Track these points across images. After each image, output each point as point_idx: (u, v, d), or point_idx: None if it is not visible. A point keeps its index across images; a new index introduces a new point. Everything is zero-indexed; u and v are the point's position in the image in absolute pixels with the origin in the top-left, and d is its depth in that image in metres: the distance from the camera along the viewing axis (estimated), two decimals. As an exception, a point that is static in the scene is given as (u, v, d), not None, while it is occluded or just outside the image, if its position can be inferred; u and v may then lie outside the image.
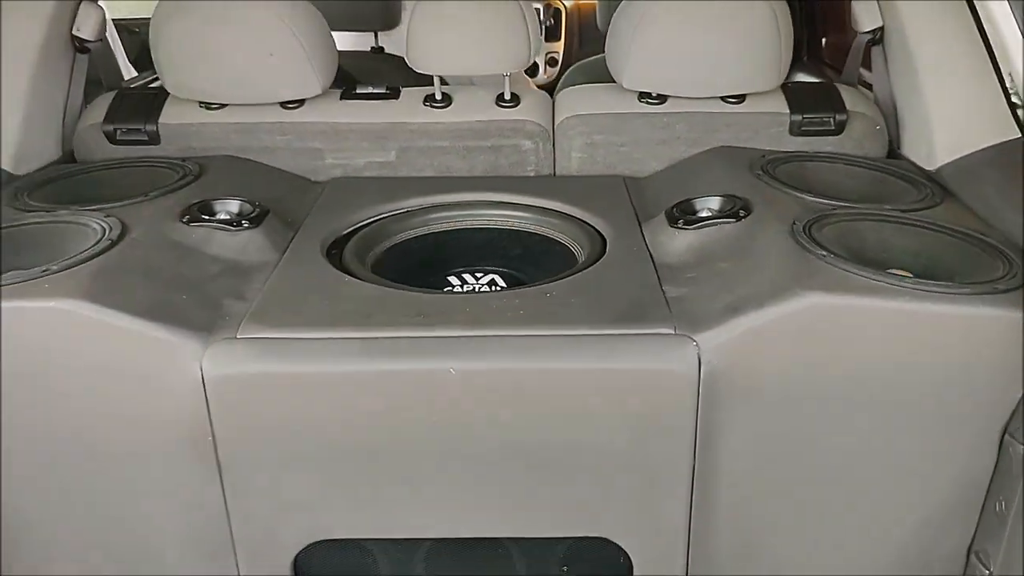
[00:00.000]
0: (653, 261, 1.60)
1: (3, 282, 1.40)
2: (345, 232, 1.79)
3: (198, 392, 1.38)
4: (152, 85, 2.41)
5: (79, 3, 2.08)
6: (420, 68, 2.06)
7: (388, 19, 3.20)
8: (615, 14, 2.06)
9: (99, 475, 1.47)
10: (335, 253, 1.71)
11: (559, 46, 4.58)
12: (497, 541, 1.56)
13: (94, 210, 1.66)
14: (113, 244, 1.53)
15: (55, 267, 1.44)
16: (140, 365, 1.39)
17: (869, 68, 2.19)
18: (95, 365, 1.39)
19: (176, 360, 1.38)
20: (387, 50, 3.36)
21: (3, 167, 1.93)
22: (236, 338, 1.40)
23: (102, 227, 1.59)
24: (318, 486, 1.46)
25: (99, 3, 2.15)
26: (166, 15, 1.99)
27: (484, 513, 1.49)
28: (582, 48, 4.62)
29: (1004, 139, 1.81)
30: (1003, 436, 1.42)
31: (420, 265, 1.81)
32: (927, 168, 1.92)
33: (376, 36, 3.30)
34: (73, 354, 1.39)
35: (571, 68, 3.33)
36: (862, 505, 1.49)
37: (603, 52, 3.24)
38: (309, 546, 1.51)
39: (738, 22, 1.94)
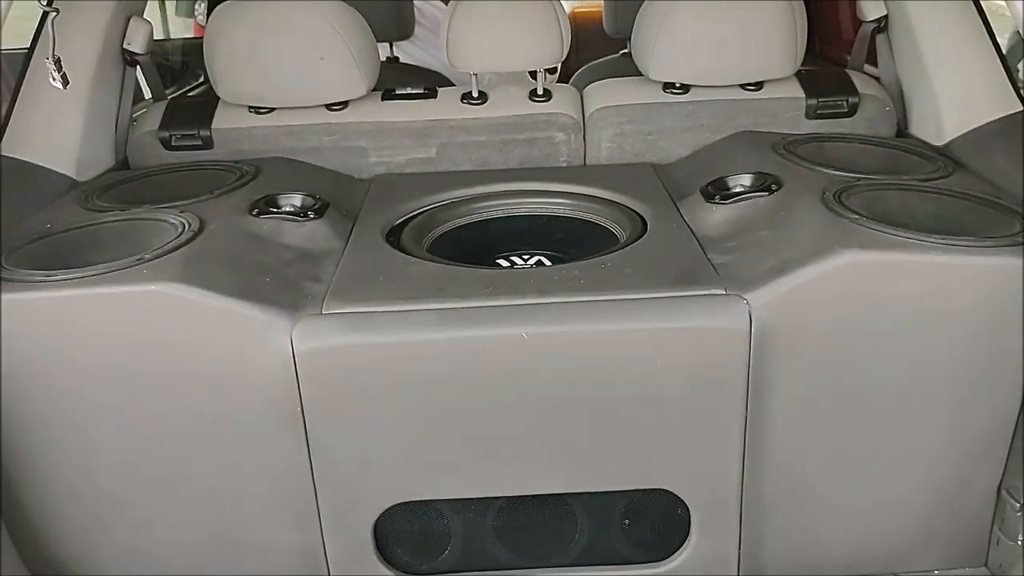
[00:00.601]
0: (694, 234, 1.73)
1: (101, 270, 1.51)
2: (398, 222, 1.91)
3: (288, 365, 1.49)
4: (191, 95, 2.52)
5: (129, 18, 2.19)
6: (458, 65, 2.18)
7: (402, 30, 3.32)
8: (640, 11, 2.19)
9: (193, 445, 1.58)
10: (392, 240, 1.82)
11: None
12: (562, 499, 1.67)
13: (168, 207, 1.77)
14: (196, 235, 1.64)
15: (148, 256, 1.55)
16: (233, 342, 1.50)
17: (874, 60, 2.34)
18: (191, 343, 1.50)
19: (267, 336, 1.49)
20: (401, 59, 3.49)
21: (67, 174, 2.05)
22: (321, 314, 1.51)
23: (180, 222, 1.69)
24: (398, 451, 1.57)
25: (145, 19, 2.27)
26: (221, 26, 2.11)
27: (552, 470, 1.60)
28: (579, 55, 4.77)
29: (1007, 112, 1.95)
30: (1028, 376, 1.55)
31: (468, 251, 1.92)
32: (936, 144, 2.06)
33: (391, 46, 3.42)
34: (170, 333, 1.50)
35: (578, 72, 3.46)
36: (900, 447, 1.61)
37: (601, 58, 3.42)
38: (389, 509, 1.62)
39: (757, 13, 2.08)
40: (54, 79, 1.42)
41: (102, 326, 1.50)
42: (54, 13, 1.42)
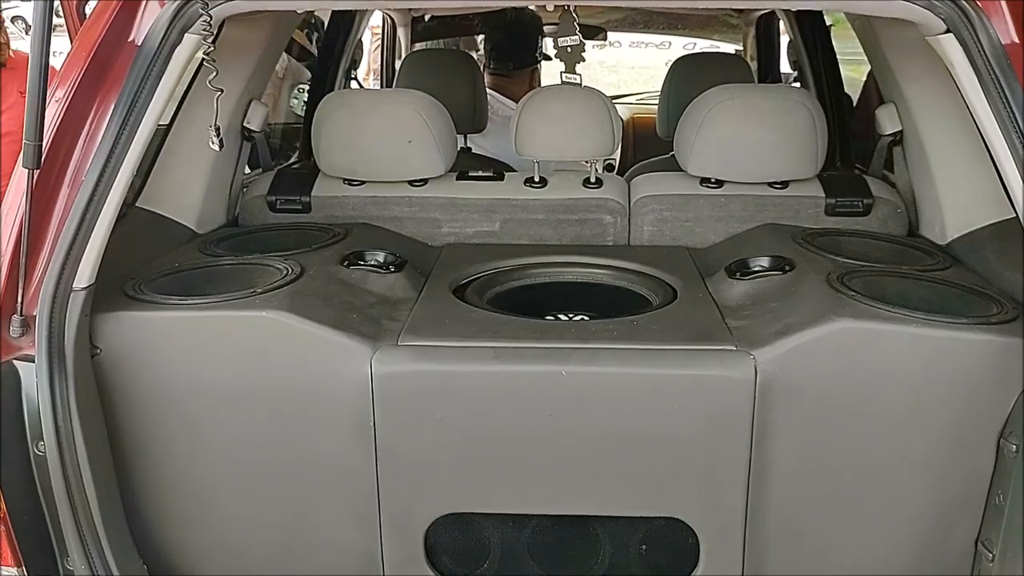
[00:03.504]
0: (716, 303, 2.02)
1: (224, 298, 1.85)
2: (463, 281, 2.23)
3: (366, 385, 1.80)
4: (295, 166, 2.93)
5: (251, 101, 2.61)
6: (524, 153, 2.54)
7: (477, 124, 3.72)
8: (682, 116, 2.53)
9: (279, 449, 1.88)
10: (458, 295, 2.14)
11: (616, 153, 5.10)
12: (588, 524, 1.92)
13: (274, 256, 2.13)
14: (297, 278, 1.98)
15: (260, 290, 1.90)
16: (324, 362, 1.82)
17: (891, 167, 2.64)
18: (289, 361, 1.83)
19: (352, 360, 1.80)
20: (473, 150, 3.88)
21: (189, 226, 2.44)
22: (397, 345, 1.83)
23: (284, 267, 2.04)
24: (452, 466, 1.85)
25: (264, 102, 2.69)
26: (327, 110, 2.52)
27: (581, 494, 1.86)
28: (636, 155, 5.15)
29: (1001, 218, 2.22)
30: (999, 439, 1.78)
31: (522, 308, 2.23)
32: (939, 243, 2.33)
33: (465, 138, 3.81)
34: (273, 351, 1.83)
35: (632, 168, 3.82)
36: (887, 497, 1.84)
37: (654, 157, 3.77)
38: (439, 519, 1.89)
39: (783, 122, 2.41)
40: (213, 142, 1.81)
41: (220, 342, 1.84)
42: (219, 93, 1.82)
